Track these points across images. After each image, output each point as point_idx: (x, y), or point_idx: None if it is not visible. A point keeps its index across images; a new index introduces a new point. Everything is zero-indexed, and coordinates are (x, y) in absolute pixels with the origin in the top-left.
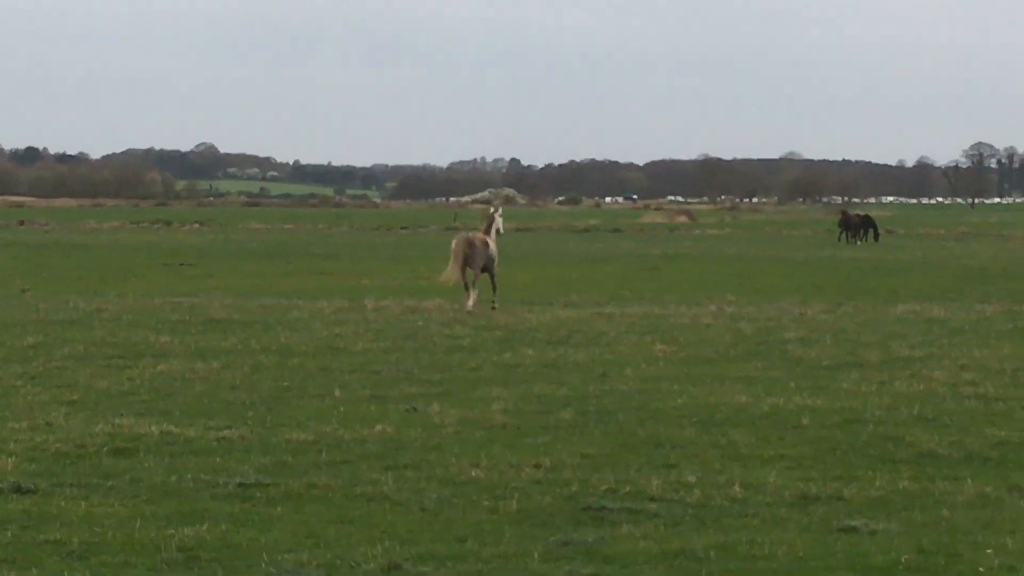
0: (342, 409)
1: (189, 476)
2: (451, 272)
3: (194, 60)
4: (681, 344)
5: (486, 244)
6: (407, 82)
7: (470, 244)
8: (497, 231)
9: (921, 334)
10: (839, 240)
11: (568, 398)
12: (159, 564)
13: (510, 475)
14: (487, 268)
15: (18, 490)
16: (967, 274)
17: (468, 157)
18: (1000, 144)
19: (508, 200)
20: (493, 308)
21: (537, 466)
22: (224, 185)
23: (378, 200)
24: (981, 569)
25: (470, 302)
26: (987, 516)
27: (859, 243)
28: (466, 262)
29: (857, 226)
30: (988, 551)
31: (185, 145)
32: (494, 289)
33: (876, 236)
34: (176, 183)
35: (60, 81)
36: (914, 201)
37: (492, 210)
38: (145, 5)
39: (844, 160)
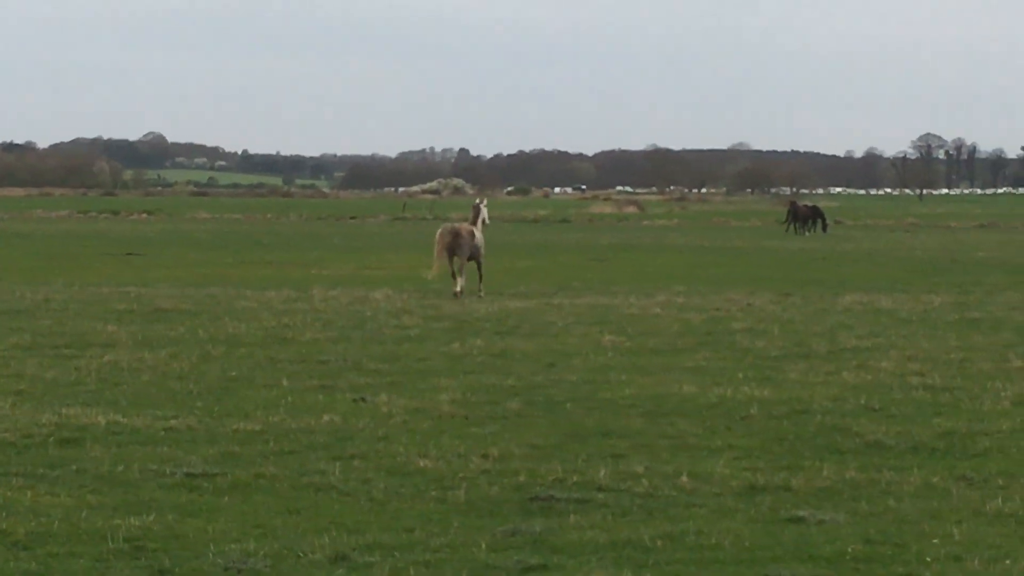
0: (290, 399)
1: (136, 466)
2: (436, 262)
3: (142, 49)
4: (629, 334)
5: (472, 234)
6: (356, 72)
7: (455, 234)
8: (483, 222)
9: (869, 325)
10: (787, 231)
11: (516, 388)
12: (105, 554)
13: (458, 465)
14: (473, 257)
15: None
16: (915, 265)
17: (417, 147)
18: (948, 135)
19: (457, 190)
20: (481, 295)
21: (485, 456)
22: (172, 175)
23: (327, 190)
24: (928, 559)
25: (457, 287)
26: (934, 506)
27: (807, 234)
28: (452, 251)
29: (805, 217)
30: (935, 541)
31: (133, 134)
32: (480, 278)
33: (824, 227)
34: (124, 172)
35: (7, 70)
36: (862, 192)
37: (478, 201)
38: None
39: (793, 151)
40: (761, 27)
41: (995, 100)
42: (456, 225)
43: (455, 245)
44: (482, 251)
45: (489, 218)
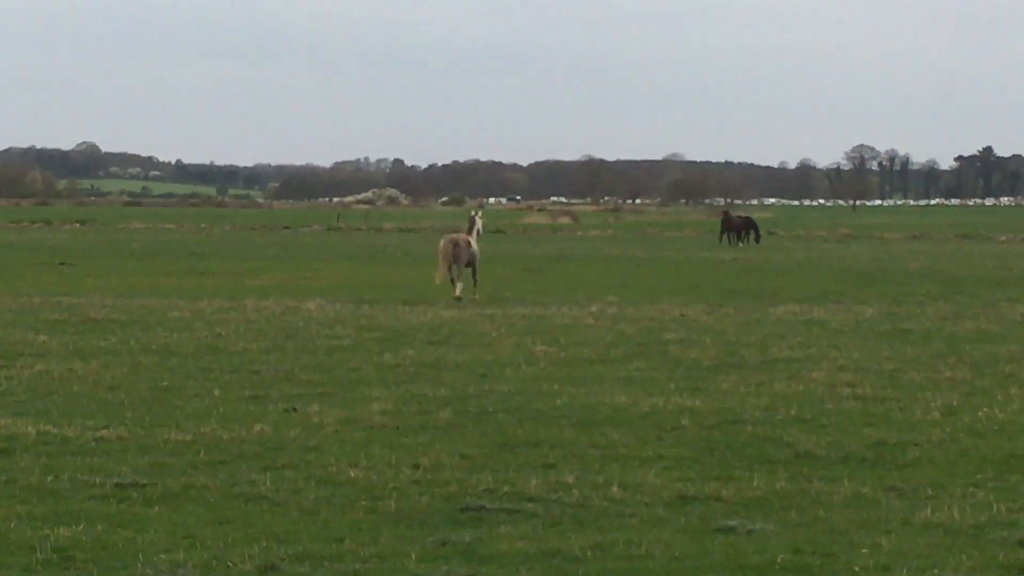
0: (221, 409)
1: (66, 476)
2: (440, 269)
3: (75, 58)
4: (562, 345)
5: (468, 244)
6: (290, 81)
7: (455, 244)
8: (478, 232)
9: (800, 335)
10: (721, 241)
11: (448, 398)
12: (34, 565)
13: (388, 475)
14: (470, 264)
15: None
16: (848, 276)
17: (352, 157)
18: (881, 146)
19: (391, 200)
20: (475, 297)
21: (416, 466)
22: (106, 184)
23: (261, 200)
24: (856, 568)
25: (457, 291)
26: (863, 516)
27: (741, 244)
28: (454, 259)
29: (739, 227)
30: (863, 551)
31: (66, 144)
32: (475, 283)
33: (757, 238)
34: (57, 182)
35: None
36: (796, 203)
37: (473, 212)
38: (25, 3)
39: (727, 162)
40: (695, 38)
41: (928, 112)
42: (455, 236)
43: (455, 254)
44: (478, 258)
45: (483, 229)
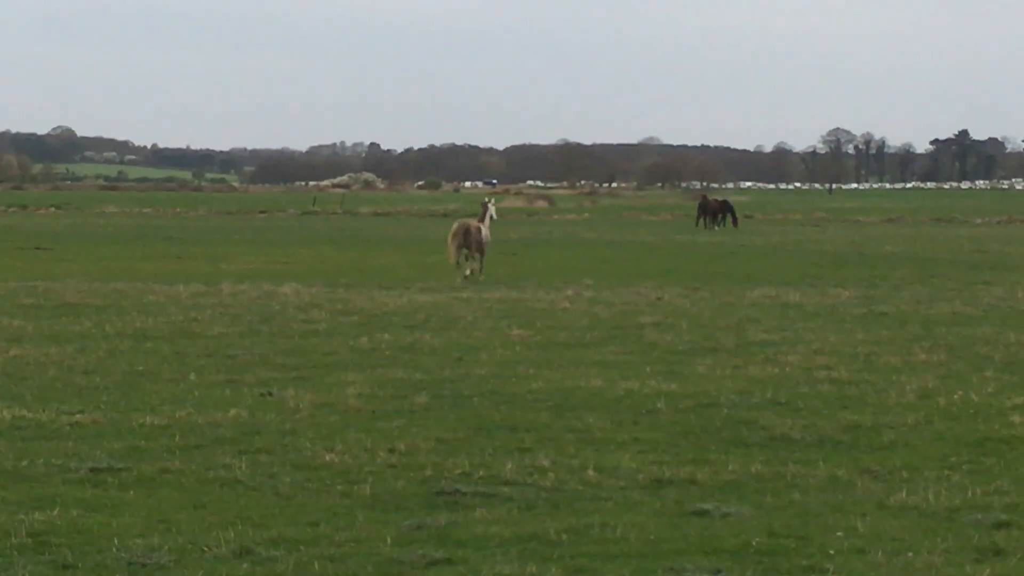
0: (196, 393)
1: (41, 461)
2: (450, 252)
3: (51, 42)
4: (538, 328)
5: (479, 230)
6: (266, 66)
7: (466, 230)
8: (490, 218)
9: (776, 319)
10: (697, 225)
11: (423, 382)
12: (8, 550)
13: (364, 459)
14: (480, 249)
15: None
16: (823, 259)
17: (328, 141)
18: (857, 130)
19: (368, 184)
20: (480, 279)
21: (391, 450)
22: (82, 169)
23: (237, 184)
24: (831, 551)
25: (467, 271)
26: (838, 499)
27: (717, 228)
28: (464, 244)
29: (715, 211)
30: (838, 533)
31: (42, 128)
32: (480, 268)
33: (735, 221)
34: (33, 167)
35: None
36: (772, 187)
37: (486, 199)
38: None
39: (703, 145)
40: (671, 21)
41: (904, 95)
42: (467, 222)
43: (466, 239)
44: (487, 244)
45: (496, 214)
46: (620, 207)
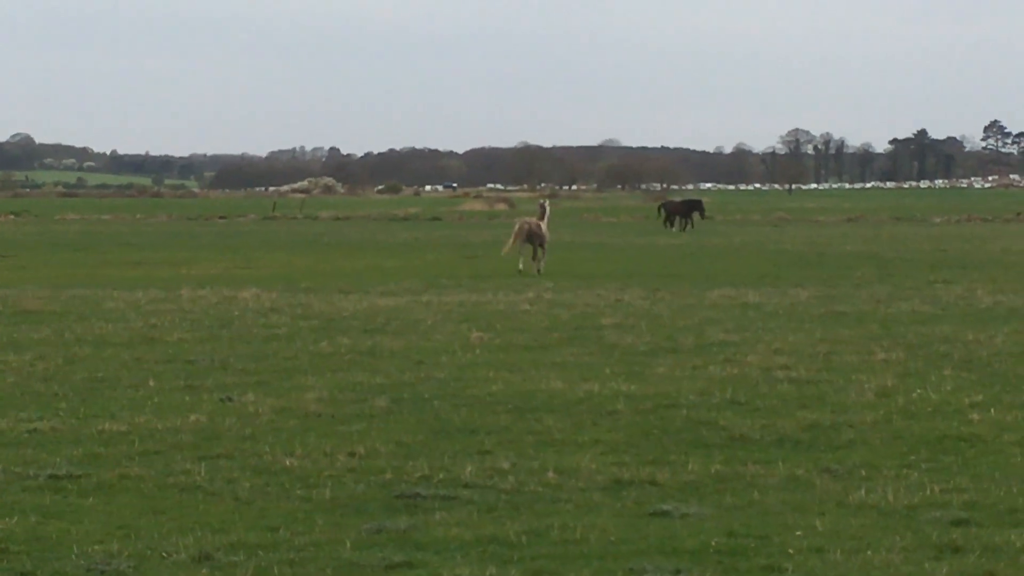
0: (156, 399)
1: None
2: (511, 247)
3: (7, 49)
4: (498, 331)
5: (539, 227)
6: (225, 71)
7: (529, 227)
8: (548, 217)
9: (736, 319)
10: (666, 227)
11: (383, 386)
12: None
13: (324, 464)
14: (542, 244)
15: None
16: (783, 259)
17: (287, 146)
18: (816, 130)
19: (328, 189)
20: (539, 272)
21: (351, 454)
22: (41, 176)
23: (197, 189)
24: (791, 550)
25: (520, 265)
26: (797, 498)
27: (689, 227)
28: (528, 239)
29: (681, 212)
30: (798, 533)
31: (0, 136)
32: (542, 260)
33: (702, 213)
34: None
35: None
36: (732, 187)
37: (542, 201)
38: None
39: (663, 147)
40: (630, 23)
41: (862, 95)
42: (530, 220)
43: (532, 235)
44: (547, 240)
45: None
46: (580, 209)
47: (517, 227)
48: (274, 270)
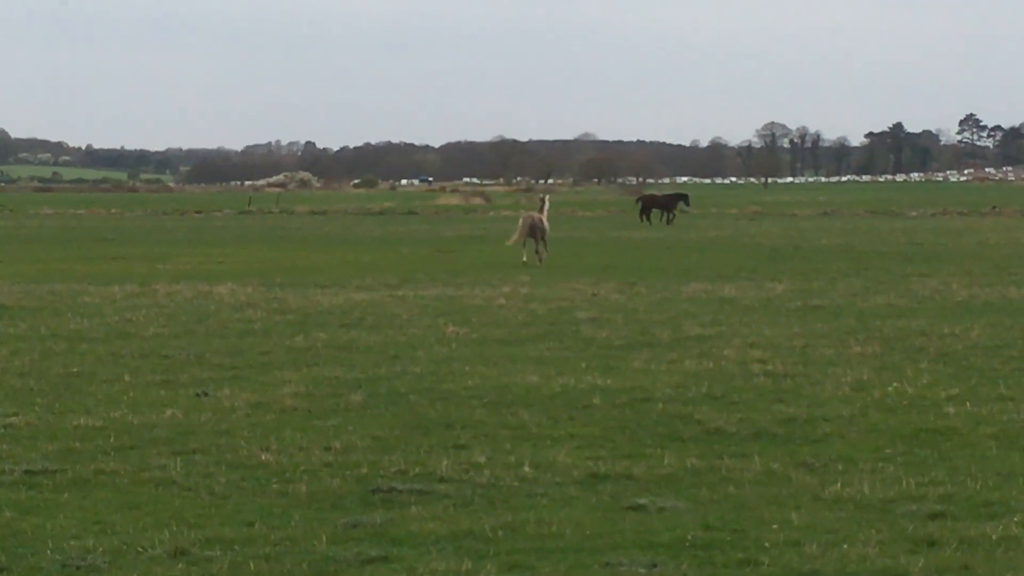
0: (131, 394)
1: None
2: (516, 239)
3: None
4: (474, 325)
5: (541, 220)
6: (200, 65)
7: (533, 221)
8: (547, 210)
9: (712, 313)
10: (646, 220)
11: (360, 381)
12: None
13: (300, 458)
14: (544, 237)
15: None
16: (758, 253)
17: (263, 140)
18: (792, 124)
19: (304, 183)
20: (540, 261)
21: (327, 449)
22: (15, 171)
23: (172, 184)
24: (767, 544)
25: (524, 257)
26: (773, 492)
27: (672, 219)
28: (531, 233)
29: (665, 205)
30: (774, 526)
31: None
32: (544, 249)
33: (686, 202)
34: None
35: None
36: (708, 181)
37: (542, 196)
38: None
39: (639, 141)
40: (605, 17)
41: (838, 88)
42: (532, 214)
43: (535, 229)
44: (547, 232)
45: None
46: (556, 203)
47: (522, 221)
48: (250, 265)
